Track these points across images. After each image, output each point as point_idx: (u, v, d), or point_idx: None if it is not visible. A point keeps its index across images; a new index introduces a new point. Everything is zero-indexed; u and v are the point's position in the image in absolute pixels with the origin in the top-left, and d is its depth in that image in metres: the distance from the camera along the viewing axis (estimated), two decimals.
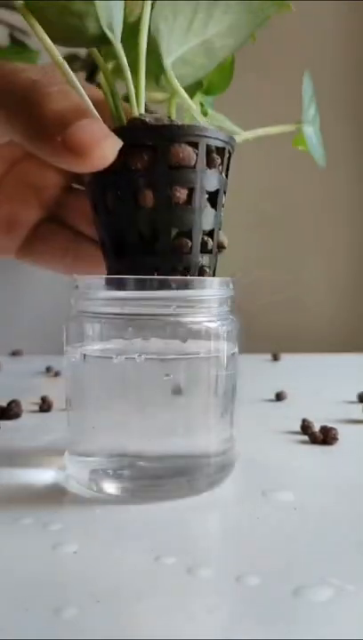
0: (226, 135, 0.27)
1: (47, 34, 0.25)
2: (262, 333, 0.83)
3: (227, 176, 0.28)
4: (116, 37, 0.27)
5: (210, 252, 0.28)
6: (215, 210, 0.27)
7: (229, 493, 0.28)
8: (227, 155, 0.28)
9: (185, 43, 0.27)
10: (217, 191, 0.27)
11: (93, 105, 0.26)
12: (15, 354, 0.72)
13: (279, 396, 0.48)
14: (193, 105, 0.28)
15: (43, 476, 0.30)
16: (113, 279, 0.26)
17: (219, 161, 0.27)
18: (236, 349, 0.29)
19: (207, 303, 0.27)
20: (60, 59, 0.26)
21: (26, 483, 0.29)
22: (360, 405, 0.46)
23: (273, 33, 0.32)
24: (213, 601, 0.19)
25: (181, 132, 0.26)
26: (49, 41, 0.25)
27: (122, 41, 0.26)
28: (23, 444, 0.35)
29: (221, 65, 0.30)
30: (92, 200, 0.28)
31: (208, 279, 0.27)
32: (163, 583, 0.20)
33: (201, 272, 0.27)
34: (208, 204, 0.27)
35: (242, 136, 0.30)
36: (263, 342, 0.77)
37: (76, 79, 0.26)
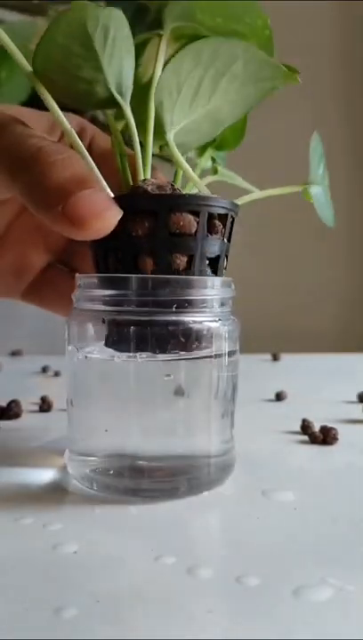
0: (228, 202, 0.27)
1: (56, 97, 0.26)
2: (262, 333, 0.83)
3: (230, 239, 0.28)
4: (125, 101, 0.27)
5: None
6: (216, 275, 0.27)
7: (230, 493, 0.28)
8: (230, 220, 0.28)
9: (189, 115, 0.27)
10: (218, 257, 0.27)
11: (105, 155, 0.27)
12: (15, 354, 0.72)
13: (279, 396, 0.48)
14: (195, 176, 0.28)
15: (43, 475, 0.30)
16: (115, 278, 0.26)
17: (221, 227, 0.27)
18: (237, 350, 0.29)
19: (209, 303, 0.27)
20: (69, 127, 0.26)
21: (26, 483, 0.29)
22: (360, 405, 0.46)
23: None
24: (213, 601, 0.19)
25: (182, 201, 0.26)
26: (58, 110, 0.26)
27: (133, 100, 0.26)
28: (23, 444, 0.35)
29: (234, 125, 0.30)
30: (94, 258, 0.28)
31: (209, 279, 0.27)
32: (163, 583, 0.20)
33: (199, 336, 0.27)
34: (209, 270, 0.27)
35: (248, 198, 0.30)
36: (263, 342, 0.78)
37: (82, 146, 0.26)
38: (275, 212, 0.85)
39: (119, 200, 0.25)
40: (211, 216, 0.26)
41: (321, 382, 0.56)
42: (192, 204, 0.26)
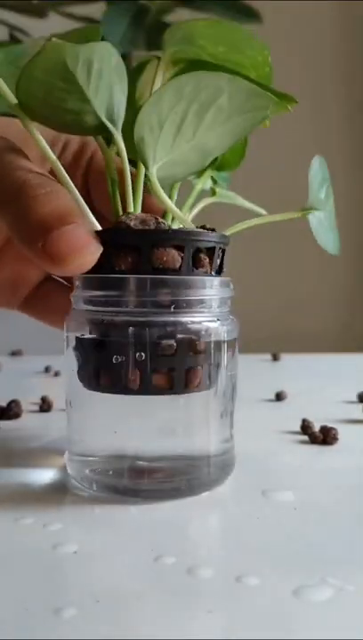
0: (215, 235, 0.27)
1: (44, 126, 0.26)
2: (262, 333, 0.83)
3: (221, 271, 0.28)
4: (117, 128, 0.26)
5: (201, 351, 0.27)
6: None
7: (229, 493, 0.28)
8: (218, 252, 0.28)
9: (173, 150, 0.26)
10: None
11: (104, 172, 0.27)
12: (15, 354, 0.72)
13: (279, 396, 0.48)
14: (178, 212, 0.27)
15: (43, 475, 0.30)
16: (113, 279, 0.26)
17: (207, 261, 0.27)
18: (236, 349, 0.29)
19: (207, 303, 0.27)
20: (54, 157, 0.26)
21: (26, 483, 0.29)
22: (360, 405, 0.46)
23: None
24: (213, 601, 0.19)
25: (166, 237, 0.26)
26: (44, 143, 0.26)
27: (129, 124, 0.26)
28: (23, 444, 0.35)
29: (234, 146, 0.29)
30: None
31: (208, 279, 0.27)
32: (163, 583, 0.20)
33: (188, 373, 0.26)
34: None
35: (243, 225, 0.30)
36: (263, 342, 0.77)
37: (67, 177, 0.26)
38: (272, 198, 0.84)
39: (102, 234, 0.25)
40: (198, 250, 0.26)
41: (321, 382, 0.56)
42: (175, 239, 0.26)
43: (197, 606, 0.19)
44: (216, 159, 0.31)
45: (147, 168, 0.26)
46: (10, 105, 0.26)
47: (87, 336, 0.27)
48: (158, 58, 0.29)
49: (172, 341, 0.26)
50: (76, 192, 0.26)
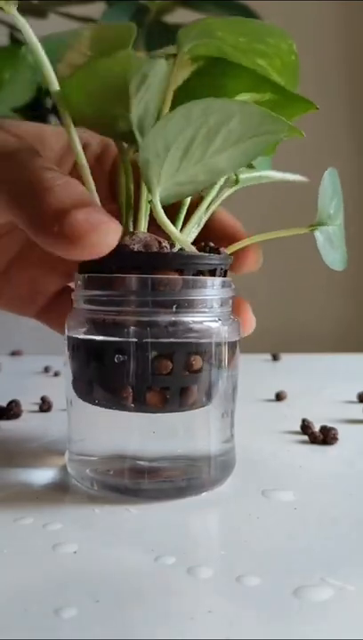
0: (215, 257, 0.27)
1: (75, 120, 0.26)
2: (263, 333, 0.83)
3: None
4: (143, 138, 0.26)
5: (198, 370, 0.27)
6: None
7: (230, 493, 0.28)
8: (220, 273, 0.28)
9: (180, 172, 0.25)
10: None
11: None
12: (15, 354, 0.72)
13: (279, 396, 0.48)
14: (179, 235, 0.27)
15: (43, 475, 0.30)
16: (114, 279, 0.26)
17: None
18: (237, 350, 0.29)
19: (209, 303, 0.27)
20: (79, 148, 0.26)
21: (26, 483, 0.29)
22: (360, 405, 0.46)
23: None
24: (213, 601, 0.19)
25: (166, 260, 0.26)
26: (74, 133, 0.26)
27: None
28: (23, 444, 0.35)
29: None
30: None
31: (209, 279, 0.27)
32: (163, 583, 0.20)
33: (183, 393, 0.26)
34: None
35: (249, 241, 0.30)
36: (263, 342, 0.77)
37: (86, 165, 0.26)
38: (275, 211, 0.85)
39: (105, 257, 0.25)
40: (199, 272, 0.27)
41: (321, 382, 0.56)
42: (177, 262, 0.26)
43: (197, 606, 0.19)
44: None
45: (150, 190, 0.26)
46: (53, 92, 0.26)
47: (84, 337, 0.27)
48: (174, 55, 0.27)
49: (169, 362, 0.26)
50: (92, 184, 0.26)
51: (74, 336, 0.27)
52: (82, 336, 0.27)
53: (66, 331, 0.28)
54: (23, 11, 0.26)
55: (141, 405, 0.26)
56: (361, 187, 1.06)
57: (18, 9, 0.26)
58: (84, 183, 0.26)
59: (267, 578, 0.21)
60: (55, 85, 0.26)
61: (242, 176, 0.31)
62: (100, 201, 0.26)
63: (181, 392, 0.26)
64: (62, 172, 0.27)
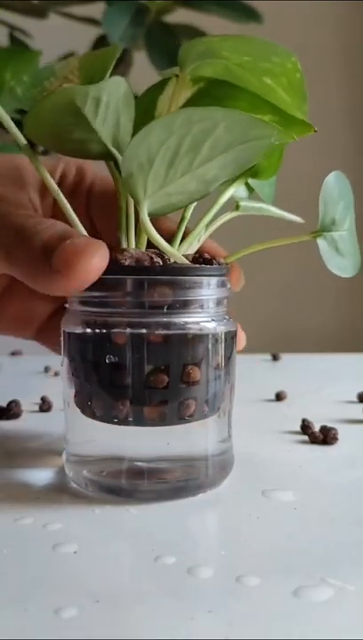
0: (208, 269, 0.27)
1: (50, 149, 0.27)
2: (262, 333, 0.83)
3: None
4: (122, 155, 0.26)
5: (195, 383, 0.27)
6: None
7: (229, 493, 0.28)
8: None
9: (168, 183, 0.25)
10: None
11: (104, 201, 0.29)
12: (15, 354, 0.72)
13: (279, 396, 0.48)
14: (169, 248, 0.27)
15: (42, 475, 0.30)
16: (110, 280, 0.26)
17: None
18: (233, 349, 0.29)
19: (204, 304, 0.27)
20: (57, 188, 0.27)
21: (26, 483, 0.29)
22: (360, 405, 0.46)
23: None
24: (213, 601, 0.19)
25: (156, 274, 0.26)
26: (50, 179, 0.27)
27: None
28: (23, 444, 0.35)
29: (270, 152, 0.28)
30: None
31: (205, 278, 0.27)
32: (163, 583, 0.20)
33: (181, 406, 0.26)
34: None
35: (251, 249, 0.30)
36: (263, 342, 0.77)
37: (65, 202, 0.27)
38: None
39: None
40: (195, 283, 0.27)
41: (321, 382, 0.56)
42: (168, 276, 0.26)
43: (197, 606, 0.19)
44: (253, 166, 0.30)
45: (137, 203, 0.26)
46: (19, 144, 0.27)
47: (79, 331, 0.27)
48: (177, 76, 0.28)
49: (165, 377, 0.26)
50: (75, 218, 0.27)
51: (69, 332, 0.28)
52: (79, 330, 0.27)
53: (62, 329, 0.28)
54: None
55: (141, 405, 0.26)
56: (356, 187, 1.06)
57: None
58: (66, 218, 0.27)
59: (267, 578, 0.21)
60: (22, 140, 0.27)
61: (243, 203, 0.31)
62: (88, 231, 0.27)
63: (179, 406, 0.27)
64: (47, 202, 0.29)
